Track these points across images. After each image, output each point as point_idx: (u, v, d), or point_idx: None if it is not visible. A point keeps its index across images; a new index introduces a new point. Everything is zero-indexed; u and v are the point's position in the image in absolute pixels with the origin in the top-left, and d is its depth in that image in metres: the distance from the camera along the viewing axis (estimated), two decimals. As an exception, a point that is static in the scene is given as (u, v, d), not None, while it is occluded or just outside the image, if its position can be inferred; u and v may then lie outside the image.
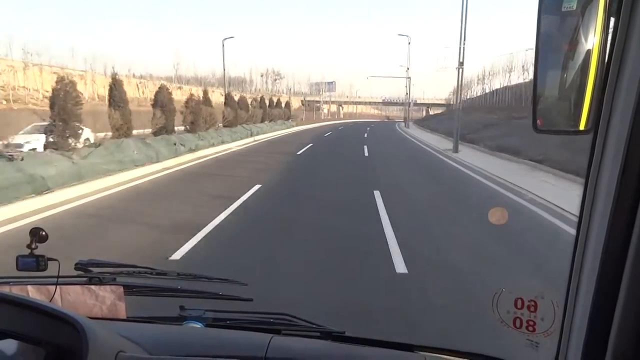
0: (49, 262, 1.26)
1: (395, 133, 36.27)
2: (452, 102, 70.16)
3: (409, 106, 49.14)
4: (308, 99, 78.22)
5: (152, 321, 1.30)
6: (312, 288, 4.02)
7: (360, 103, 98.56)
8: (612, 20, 0.71)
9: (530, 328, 0.99)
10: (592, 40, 0.71)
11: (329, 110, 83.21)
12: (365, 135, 30.96)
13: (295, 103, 76.26)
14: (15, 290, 1.27)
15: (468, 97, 62.80)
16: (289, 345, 1.14)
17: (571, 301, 0.86)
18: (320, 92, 79.24)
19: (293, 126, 37.87)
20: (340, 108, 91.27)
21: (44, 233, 1.25)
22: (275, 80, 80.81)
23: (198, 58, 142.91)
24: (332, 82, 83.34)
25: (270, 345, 1.08)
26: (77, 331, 0.87)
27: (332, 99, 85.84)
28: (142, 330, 1.17)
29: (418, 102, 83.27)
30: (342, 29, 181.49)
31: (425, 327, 3.28)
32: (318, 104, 74.53)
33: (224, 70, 27.95)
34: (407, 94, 51.29)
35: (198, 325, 1.26)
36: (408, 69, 45.64)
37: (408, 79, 47.65)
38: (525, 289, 1.00)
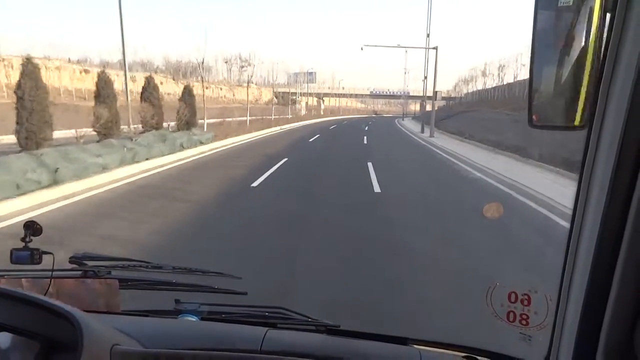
0: (43, 255, 1.25)
1: (449, 171, 11.83)
2: (457, 95, 59.38)
3: (435, 98, 26.92)
4: (282, 90, 64.29)
5: (147, 314, 1.29)
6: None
7: (344, 95, 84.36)
8: (608, 16, 0.71)
9: (524, 322, 0.99)
10: (588, 37, 0.71)
11: (307, 103, 67.40)
12: (377, 188, 8.59)
13: (267, 95, 66.35)
14: (9, 284, 1.26)
15: (470, 88, 52.70)
16: (284, 338, 1.15)
17: (564, 295, 0.87)
18: (300, 84, 63.99)
19: (202, 143, 15.65)
20: (321, 101, 76.84)
21: (38, 226, 1.24)
22: (242, 67, 63.99)
23: (158, 44, 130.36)
24: (312, 73, 71.27)
25: (265, 338, 1.08)
26: (72, 325, 0.87)
27: (312, 91, 71.53)
28: (138, 324, 1.17)
29: (411, 94, 68.65)
30: (324, 11, 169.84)
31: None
32: (294, 97, 60.23)
33: (123, 43, 13.52)
34: (424, 79, 28.65)
35: (193, 318, 1.26)
36: (428, 35, 25.34)
37: (432, 50, 25.98)
38: (519, 283, 1.01)
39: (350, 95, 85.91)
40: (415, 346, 1.14)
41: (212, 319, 1.28)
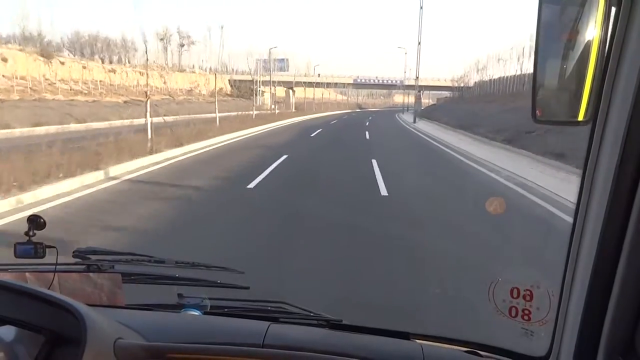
0: (47, 249, 1.26)
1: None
2: (463, 85, 47.52)
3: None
4: (239, 78, 49.11)
5: (150, 308, 1.30)
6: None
7: (320, 85, 65.24)
8: (613, 10, 0.70)
9: (526, 317, 0.99)
10: (592, 31, 0.71)
11: (272, 95, 49.60)
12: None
13: (219, 83, 44.69)
14: (13, 278, 1.27)
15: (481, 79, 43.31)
16: (286, 332, 1.15)
17: (567, 290, 0.87)
18: (268, 71, 49.57)
19: None
20: (291, 92, 59.66)
21: (42, 220, 1.25)
22: (183, 46, 48.67)
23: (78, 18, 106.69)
24: (283, 59, 59.36)
25: (268, 332, 1.08)
26: (76, 318, 0.87)
27: (281, 79, 56.70)
28: (141, 318, 1.18)
29: (407, 83, 56.64)
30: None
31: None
32: (256, 87, 46.61)
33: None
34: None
35: (196, 312, 1.27)
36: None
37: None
38: (521, 278, 1.01)
39: (329, 85, 68.33)
40: (417, 341, 1.14)
41: (214, 313, 1.29)
